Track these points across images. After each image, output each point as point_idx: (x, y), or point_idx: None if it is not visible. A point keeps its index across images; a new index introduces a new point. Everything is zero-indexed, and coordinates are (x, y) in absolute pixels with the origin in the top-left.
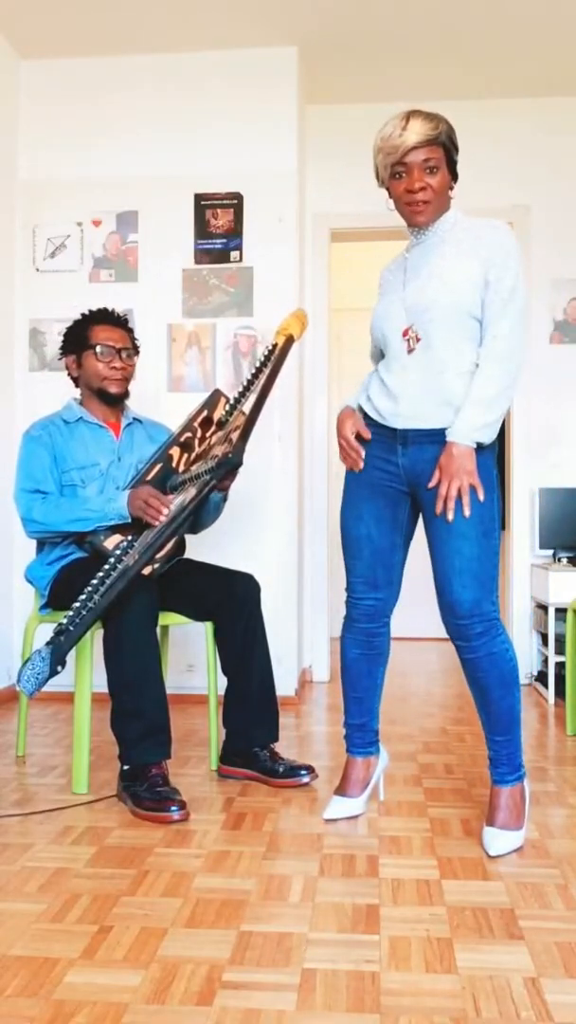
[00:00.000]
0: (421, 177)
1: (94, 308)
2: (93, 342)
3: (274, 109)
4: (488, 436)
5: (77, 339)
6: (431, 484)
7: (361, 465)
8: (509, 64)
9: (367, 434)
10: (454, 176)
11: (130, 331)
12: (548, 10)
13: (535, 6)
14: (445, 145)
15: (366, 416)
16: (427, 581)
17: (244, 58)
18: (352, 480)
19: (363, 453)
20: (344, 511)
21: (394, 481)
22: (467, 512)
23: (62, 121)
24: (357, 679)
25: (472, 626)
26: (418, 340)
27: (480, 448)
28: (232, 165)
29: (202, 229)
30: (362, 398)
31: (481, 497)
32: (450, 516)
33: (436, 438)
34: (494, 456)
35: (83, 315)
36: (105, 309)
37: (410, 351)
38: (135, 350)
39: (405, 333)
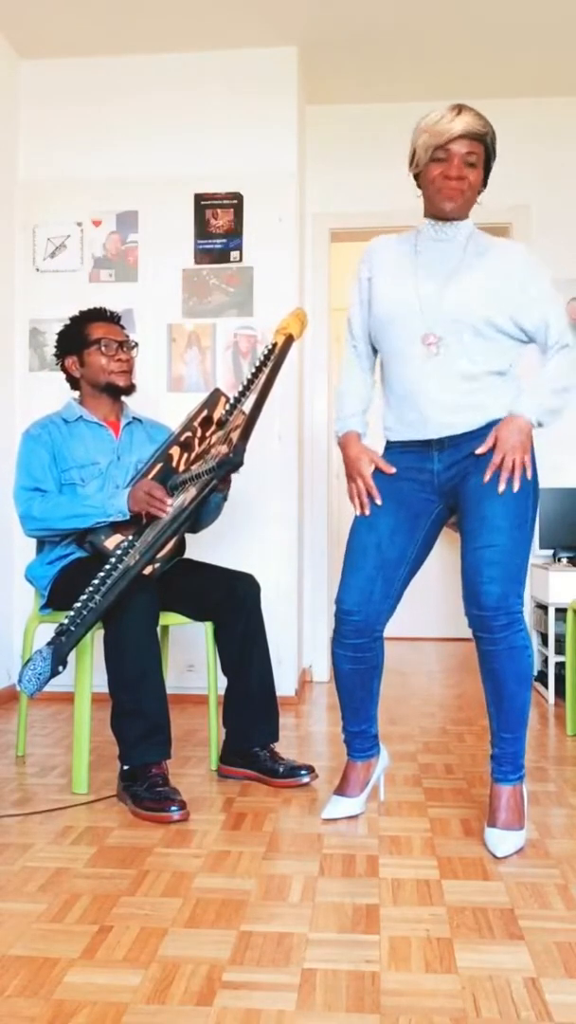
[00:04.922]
0: (460, 167)
1: (85, 309)
2: (95, 338)
3: (274, 109)
4: (549, 421)
5: (75, 338)
6: (482, 450)
7: (368, 512)
8: (508, 64)
9: (390, 469)
10: (485, 183)
11: (123, 328)
12: (546, 10)
13: (534, 6)
14: (487, 147)
15: (387, 442)
16: (427, 581)
17: (244, 58)
18: (376, 484)
19: (378, 499)
20: (358, 518)
21: (424, 489)
22: (516, 486)
23: (62, 121)
24: (351, 692)
25: (496, 618)
26: (439, 346)
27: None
28: (232, 165)
29: (202, 229)
30: (370, 422)
31: (529, 475)
32: (502, 487)
33: (471, 436)
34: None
35: (76, 316)
36: (98, 308)
37: (431, 355)
38: (133, 344)
39: (426, 338)
